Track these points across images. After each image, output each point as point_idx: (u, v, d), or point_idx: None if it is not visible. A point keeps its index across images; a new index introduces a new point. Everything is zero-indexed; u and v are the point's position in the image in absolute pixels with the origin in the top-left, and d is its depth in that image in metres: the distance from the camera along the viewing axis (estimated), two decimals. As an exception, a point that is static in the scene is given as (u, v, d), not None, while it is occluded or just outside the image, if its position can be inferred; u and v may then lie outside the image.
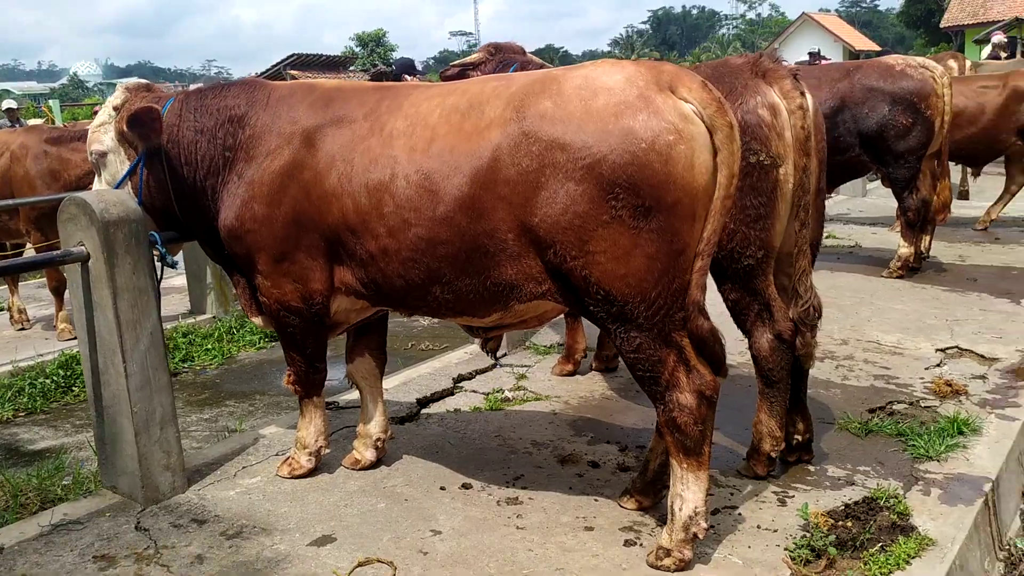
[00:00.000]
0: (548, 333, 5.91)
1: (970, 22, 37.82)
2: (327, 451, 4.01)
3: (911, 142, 6.66)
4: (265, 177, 3.44)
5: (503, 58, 5.19)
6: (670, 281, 2.90)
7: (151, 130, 3.56)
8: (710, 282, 3.16)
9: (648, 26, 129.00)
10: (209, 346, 6.39)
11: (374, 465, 3.97)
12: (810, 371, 4.99)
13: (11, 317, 7.81)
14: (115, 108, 3.72)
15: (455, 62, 5.29)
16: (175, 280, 8.34)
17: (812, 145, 3.51)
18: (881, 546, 3.24)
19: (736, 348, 4.18)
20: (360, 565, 3.16)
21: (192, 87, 4.09)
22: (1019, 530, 3.91)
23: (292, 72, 28.04)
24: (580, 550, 3.24)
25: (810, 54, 16.77)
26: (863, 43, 50.88)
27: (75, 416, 5.61)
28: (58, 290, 7.23)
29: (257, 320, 3.79)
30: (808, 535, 3.29)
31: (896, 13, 69.86)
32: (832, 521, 3.44)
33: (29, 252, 7.50)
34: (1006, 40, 17.20)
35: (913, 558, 3.14)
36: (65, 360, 6.09)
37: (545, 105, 2.93)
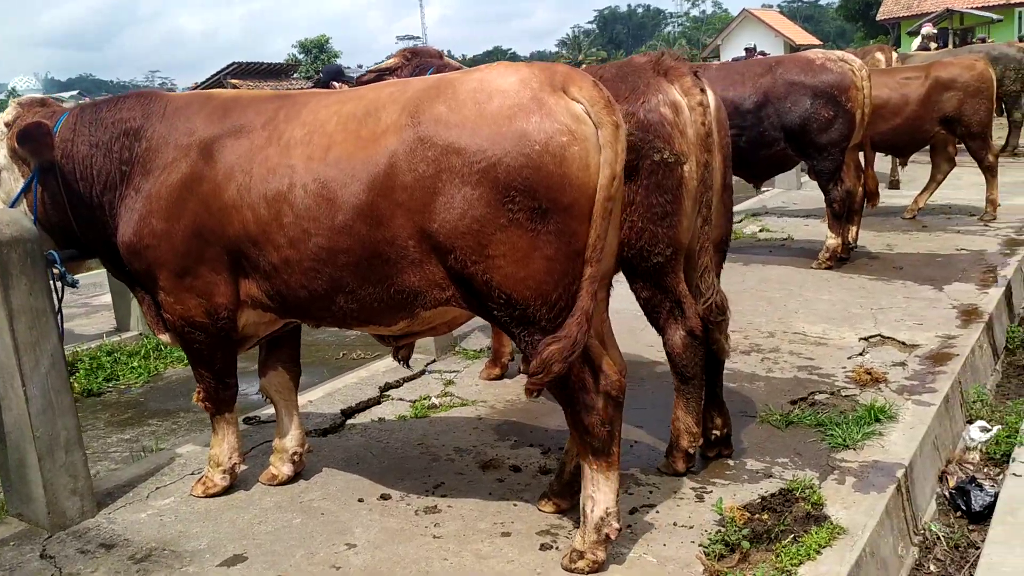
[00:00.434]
0: (478, 337, 5.88)
1: (905, 14, 38.72)
2: (244, 467, 3.92)
3: (833, 134, 6.76)
4: (163, 191, 3.36)
5: (420, 62, 5.15)
6: (571, 282, 2.89)
7: (42, 145, 3.46)
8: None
9: (595, 26, 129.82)
10: (135, 364, 6.24)
11: (292, 479, 3.90)
12: (737, 365, 5.10)
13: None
14: (6, 124, 3.60)
15: (371, 67, 5.24)
16: (102, 297, 8.16)
17: (714, 141, 3.53)
18: (793, 537, 3.26)
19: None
20: (270, 584, 3.10)
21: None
22: (935, 514, 3.97)
23: (233, 81, 27.64)
24: (496, 556, 3.21)
25: (746, 50, 17.03)
26: (803, 37, 51.77)
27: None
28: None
29: (164, 337, 3.70)
30: (722, 530, 3.30)
31: (835, 7, 71.28)
32: (748, 515, 3.46)
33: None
34: (935, 31, 17.63)
35: (824, 547, 3.17)
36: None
37: (440, 109, 2.90)
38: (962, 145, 8.77)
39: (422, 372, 5.32)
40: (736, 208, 10.13)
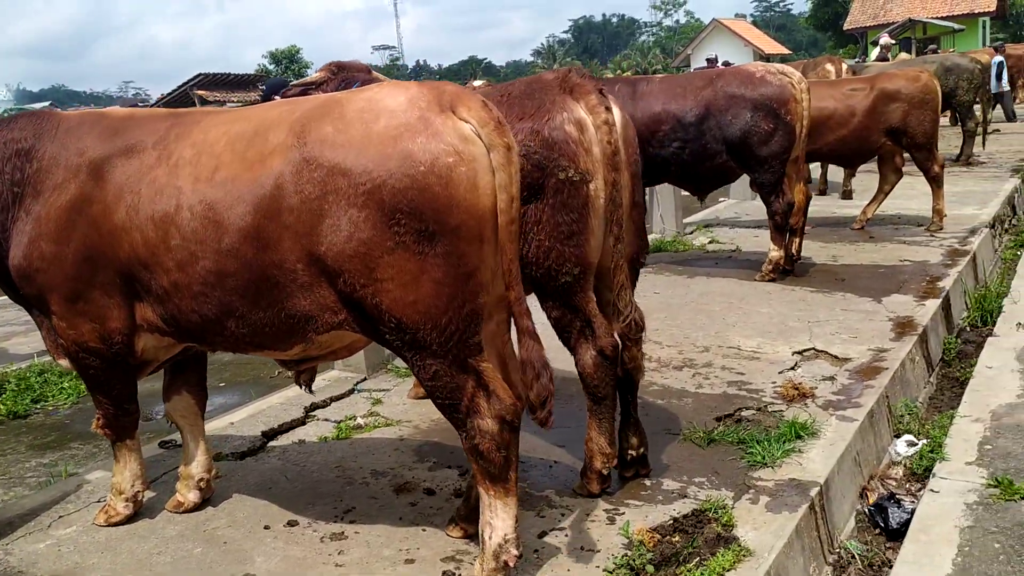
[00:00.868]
0: (413, 354, 5.80)
1: (871, 24, 39.28)
2: (151, 495, 3.83)
3: (774, 147, 6.76)
4: (52, 213, 3.27)
5: (346, 76, 5.08)
6: (461, 306, 2.84)
7: None
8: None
9: (570, 35, 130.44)
10: (65, 384, 6.10)
11: (199, 507, 3.81)
12: (668, 381, 5.07)
13: None
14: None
15: (296, 82, 5.17)
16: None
17: (621, 159, 3.50)
18: (699, 560, 3.22)
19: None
20: (159, 618, 3.01)
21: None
22: (854, 531, 3.95)
23: (199, 92, 27.45)
24: (395, 585, 3.15)
25: (708, 60, 17.10)
26: (773, 47, 52.24)
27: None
28: None
29: (63, 363, 3.60)
30: (628, 554, 3.25)
31: (805, 17, 72.07)
32: (659, 537, 3.41)
33: None
34: (893, 42, 17.79)
35: (728, 570, 3.14)
36: None
37: (326, 130, 2.84)
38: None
39: (351, 391, 5.24)
40: (689, 219, 10.27)
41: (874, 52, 17.34)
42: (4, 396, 5.85)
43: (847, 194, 10.87)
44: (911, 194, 9.97)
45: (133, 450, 3.69)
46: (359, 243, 2.78)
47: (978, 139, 12.88)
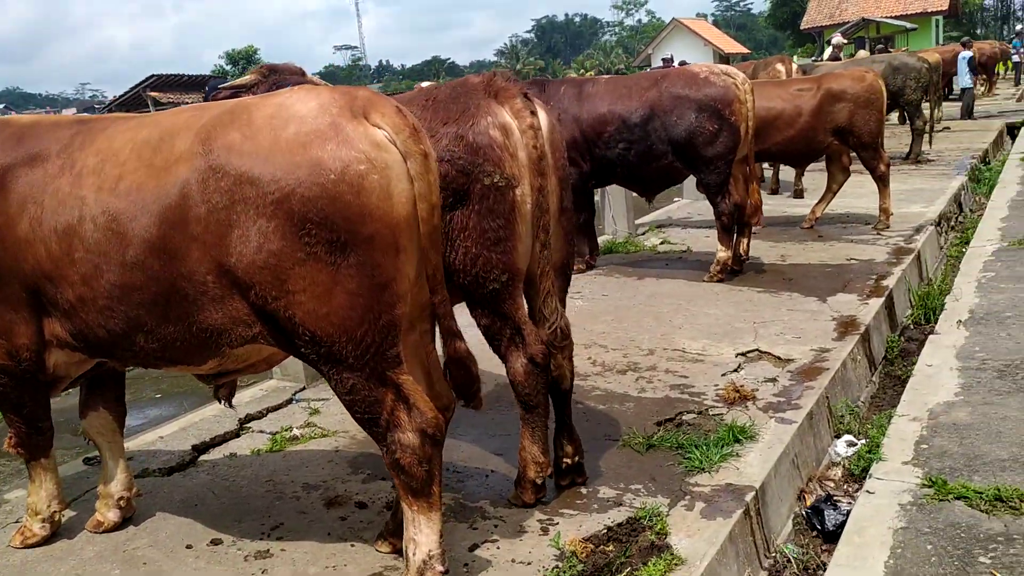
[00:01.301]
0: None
1: (827, 23, 39.80)
2: (72, 514, 3.70)
3: (719, 147, 6.76)
4: (-48, 225, 3.12)
5: (277, 79, 4.95)
6: (376, 317, 2.76)
7: None
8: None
9: (533, 35, 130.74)
10: (-5, 398, 5.91)
11: (121, 526, 3.68)
12: (611, 385, 5.03)
13: None
14: None
15: (225, 85, 5.04)
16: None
17: (548, 164, 3.44)
18: (630, 570, 3.17)
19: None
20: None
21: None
22: (790, 534, 3.92)
23: (153, 94, 27.00)
24: (318, 605, 3.05)
25: (663, 60, 17.15)
26: (732, 46, 52.71)
27: None
28: None
29: (-28, 379, 3.45)
30: (560, 565, 3.19)
31: (765, 16, 72.94)
32: (592, 547, 3.36)
33: None
34: (846, 41, 17.99)
35: (659, 580, 3.09)
36: None
37: (233, 137, 2.74)
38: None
39: (289, 401, 5.13)
40: (641, 220, 10.25)
41: (827, 51, 17.51)
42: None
43: (798, 193, 10.94)
44: (860, 192, 10.05)
45: (49, 469, 3.55)
46: (269, 254, 2.69)
47: (926, 136, 13.03)
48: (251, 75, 5.00)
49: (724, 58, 44.57)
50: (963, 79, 19.11)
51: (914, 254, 7.61)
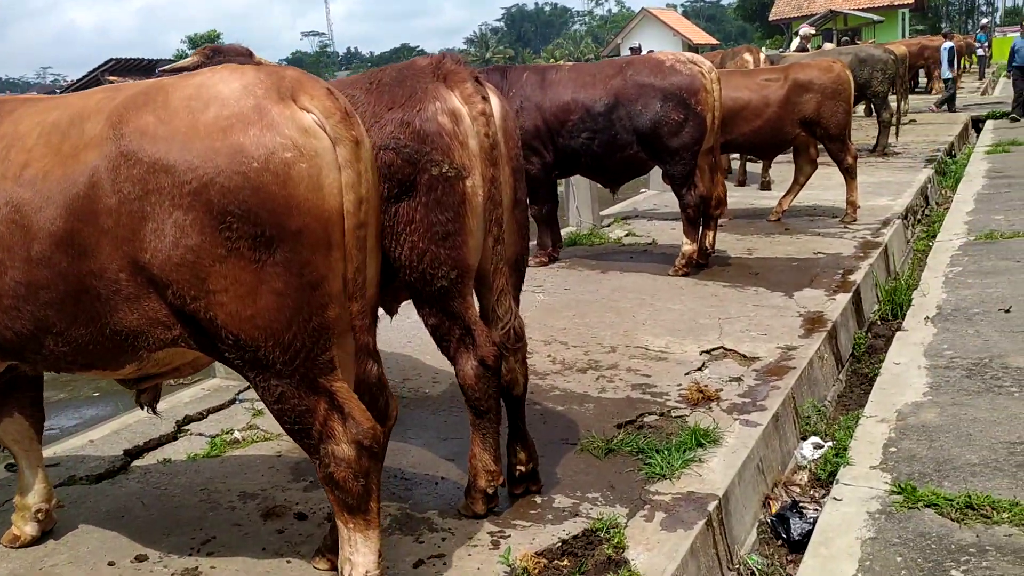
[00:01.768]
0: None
1: (795, 15, 39.91)
2: (-16, 528, 3.42)
3: (684, 138, 6.57)
4: None
5: (223, 61, 4.67)
6: (307, 320, 2.52)
7: None
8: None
9: (503, 23, 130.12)
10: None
11: (40, 540, 3.41)
12: (571, 385, 4.83)
13: None
14: None
15: (165, 68, 4.74)
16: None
17: (501, 154, 3.21)
18: (585, 589, 2.97)
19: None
20: None
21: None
22: (755, 544, 3.75)
23: (111, 78, 26.21)
24: (246, 630, 2.82)
25: (631, 49, 16.97)
26: (702, 37, 52.75)
27: None
28: None
29: None
30: (509, 583, 2.99)
31: (733, 8, 73.15)
32: (546, 562, 3.16)
33: None
34: (814, 32, 17.92)
35: (615, 600, 2.89)
36: None
37: (147, 120, 2.48)
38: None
39: (232, 401, 4.86)
40: (606, 211, 10.06)
41: (794, 42, 17.43)
42: None
43: (766, 185, 10.82)
44: (828, 184, 9.93)
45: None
46: (186, 250, 2.44)
47: (893, 129, 12.98)
48: (194, 56, 4.70)
49: (693, 48, 44.47)
50: (945, 70, 19.15)
51: (881, 248, 7.50)
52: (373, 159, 2.67)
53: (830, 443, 4.39)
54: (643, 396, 4.64)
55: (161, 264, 2.47)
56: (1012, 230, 7.94)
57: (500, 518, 3.46)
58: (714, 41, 54.40)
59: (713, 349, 5.29)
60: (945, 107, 18.94)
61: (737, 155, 10.90)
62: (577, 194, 9.17)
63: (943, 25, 56.10)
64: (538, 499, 3.60)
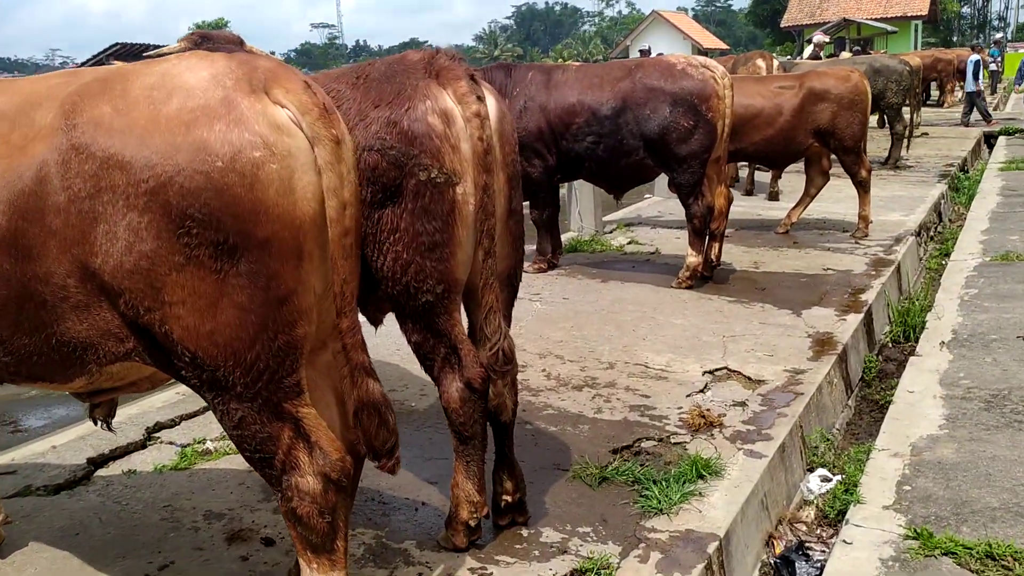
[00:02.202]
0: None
1: (808, 22, 39.65)
2: (-73, 543, 3.16)
3: (693, 145, 6.30)
4: None
5: (212, 48, 4.40)
6: (272, 338, 2.26)
7: None
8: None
9: (512, 22, 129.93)
10: None
11: (-16, 560, 3.16)
12: (566, 403, 4.57)
13: None
14: None
15: (149, 54, 4.48)
16: None
17: (495, 159, 2.95)
18: (571, 639, 2.71)
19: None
20: None
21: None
22: (757, 586, 3.50)
23: (115, 62, 26.00)
24: (198, 674, 2.56)
25: (641, 52, 16.70)
26: (712, 41, 52.46)
27: None
28: None
29: None
30: (489, 630, 2.73)
31: (745, 13, 72.87)
32: (531, 604, 2.90)
33: None
34: (828, 40, 17.65)
35: (603, 655, 2.63)
36: None
37: (103, 110, 2.23)
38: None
39: (207, 408, 4.59)
40: (609, 217, 9.79)
41: (807, 49, 17.16)
42: None
43: (774, 195, 10.55)
44: (838, 197, 9.67)
45: None
46: (140, 256, 2.18)
47: (904, 142, 12.71)
48: (181, 43, 4.42)
49: (703, 53, 44.13)
50: (970, 84, 18.82)
51: (894, 266, 7.23)
52: (355, 161, 2.41)
53: (839, 477, 4.13)
54: (641, 419, 4.38)
55: (113, 270, 2.22)
56: (1029, 252, 7.68)
57: (483, 552, 3.21)
58: (724, 46, 54.07)
59: (716, 369, 5.03)
60: (987, 118, 18.60)
61: (746, 163, 10.64)
62: (580, 199, 8.90)
63: (954, 39, 55.80)
64: (525, 532, 3.34)
